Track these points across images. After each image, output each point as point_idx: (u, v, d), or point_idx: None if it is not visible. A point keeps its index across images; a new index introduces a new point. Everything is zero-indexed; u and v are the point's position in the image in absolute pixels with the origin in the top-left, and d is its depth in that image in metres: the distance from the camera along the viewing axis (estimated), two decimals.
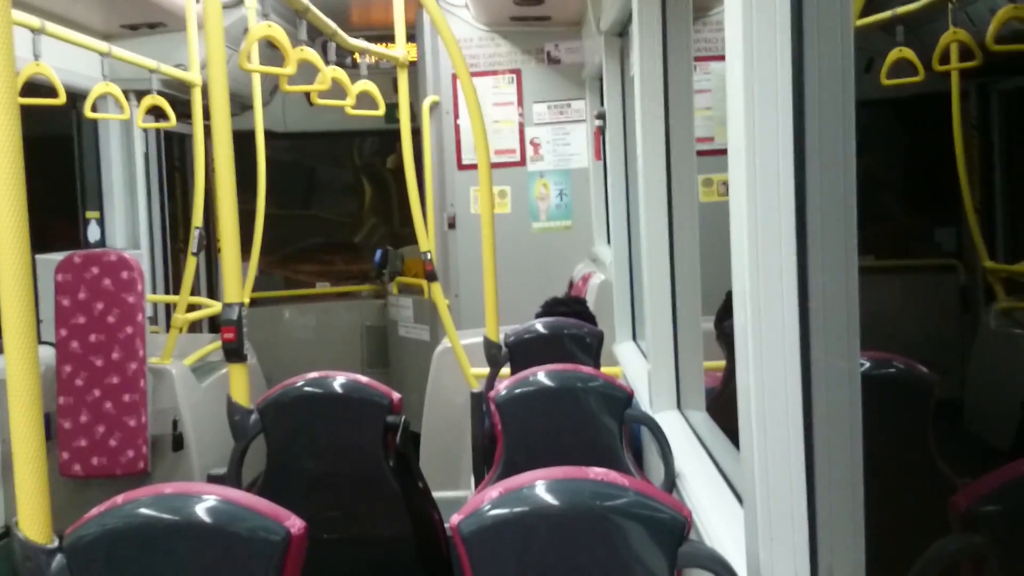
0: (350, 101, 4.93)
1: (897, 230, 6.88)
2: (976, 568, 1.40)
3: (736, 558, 1.68)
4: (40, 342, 4.71)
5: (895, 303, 6.06)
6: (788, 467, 1.48)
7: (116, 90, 4.83)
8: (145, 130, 6.02)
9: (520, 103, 6.56)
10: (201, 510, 1.71)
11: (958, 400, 5.23)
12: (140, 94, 5.25)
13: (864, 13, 4.76)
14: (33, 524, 1.78)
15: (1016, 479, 1.44)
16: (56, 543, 1.74)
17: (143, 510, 1.72)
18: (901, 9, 4.49)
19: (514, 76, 6.56)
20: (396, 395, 2.89)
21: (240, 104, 6.29)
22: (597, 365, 3.63)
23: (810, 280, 1.47)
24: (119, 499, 1.74)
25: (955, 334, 5.83)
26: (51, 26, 4.13)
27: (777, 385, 1.48)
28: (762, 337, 1.50)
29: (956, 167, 5.33)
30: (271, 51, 4.43)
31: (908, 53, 4.57)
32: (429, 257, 5.18)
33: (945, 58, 4.58)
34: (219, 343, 3.09)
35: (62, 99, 4.33)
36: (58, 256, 4.76)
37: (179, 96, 5.54)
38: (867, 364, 2.29)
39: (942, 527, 1.42)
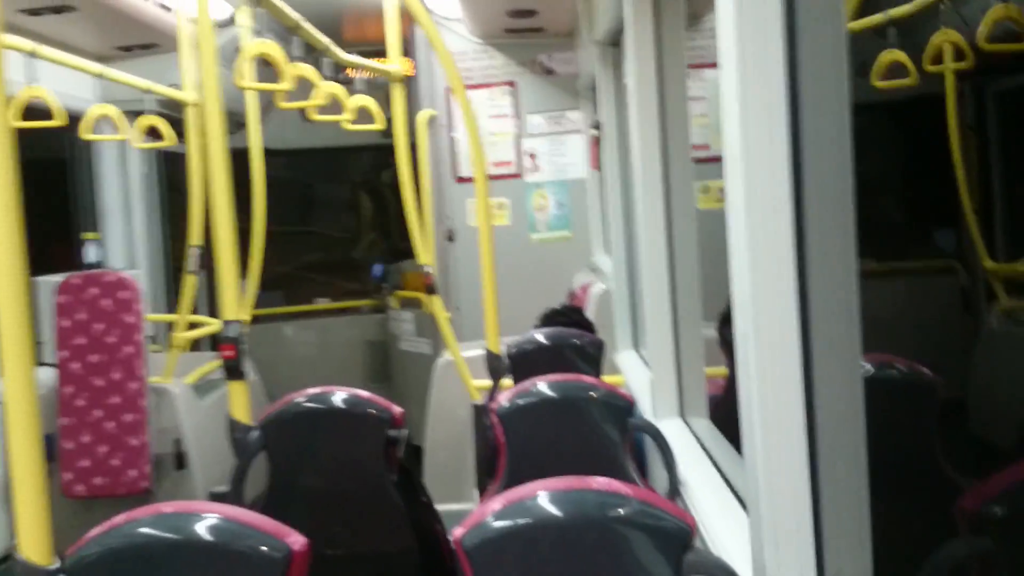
0: (348, 116, 4.93)
1: (896, 233, 6.87)
2: (984, 571, 1.39)
3: (742, 565, 1.67)
4: (42, 363, 4.75)
5: (896, 306, 6.05)
6: (792, 473, 1.47)
7: (112, 110, 4.84)
8: (141, 150, 6.02)
9: (516, 115, 6.57)
10: (202, 528, 1.70)
11: (962, 402, 5.22)
12: (135, 115, 5.26)
13: (856, 16, 4.77)
14: (33, 546, 1.77)
15: (1022, 480, 1.43)
16: (57, 564, 1.73)
17: (144, 529, 1.71)
18: (894, 12, 4.49)
19: (509, 88, 6.57)
20: (398, 409, 2.88)
21: (236, 122, 6.30)
22: (598, 374, 3.63)
23: (810, 284, 1.46)
24: (120, 519, 1.73)
25: (957, 336, 5.82)
26: (45, 49, 4.14)
27: (779, 390, 1.48)
28: (763, 342, 1.49)
29: (953, 169, 5.33)
30: (265, 69, 4.44)
31: (899, 55, 4.57)
32: (428, 271, 5.18)
33: (938, 59, 4.59)
34: (220, 361, 3.09)
35: (60, 121, 4.34)
36: (57, 278, 4.76)
37: (175, 115, 5.55)
38: (870, 367, 2.28)
39: (949, 530, 1.41)
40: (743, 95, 1.48)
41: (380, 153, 8.22)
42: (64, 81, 4.76)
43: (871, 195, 6.70)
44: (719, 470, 2.49)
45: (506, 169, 6.54)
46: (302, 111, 4.33)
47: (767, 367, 1.49)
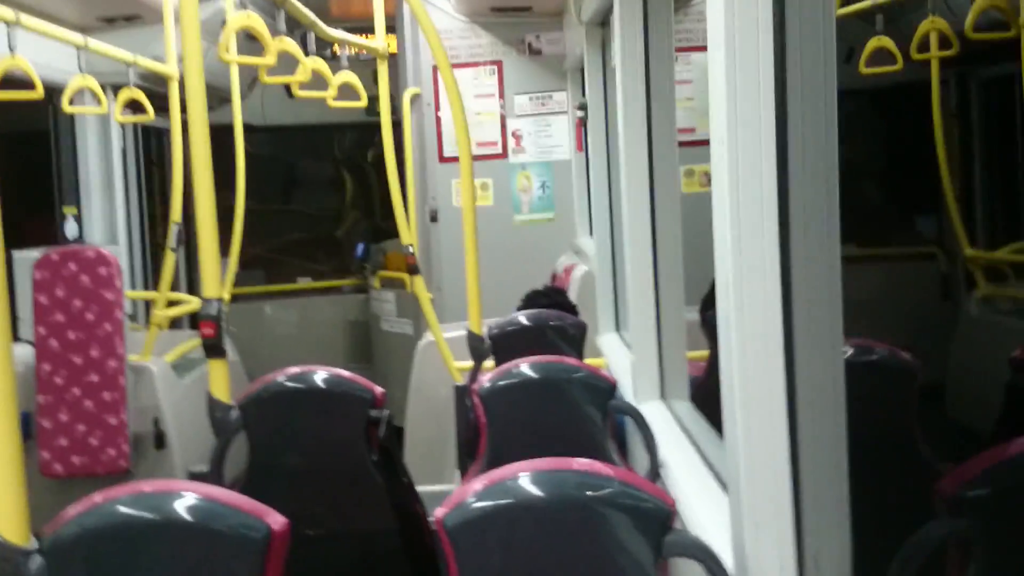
0: (331, 92, 4.90)
1: (879, 219, 6.91)
2: (961, 552, 1.41)
3: (721, 546, 1.68)
4: (18, 340, 4.70)
5: (877, 291, 6.09)
6: (772, 454, 1.48)
7: (94, 83, 4.77)
8: (123, 125, 5.96)
9: (501, 95, 6.54)
10: (181, 508, 1.69)
11: (940, 386, 5.26)
12: (117, 88, 5.20)
13: (844, 2, 4.77)
14: (9, 525, 1.76)
15: (999, 463, 1.45)
16: (34, 544, 1.72)
17: (122, 508, 1.70)
18: None
19: (495, 68, 6.54)
20: (379, 389, 2.87)
21: (218, 97, 6.24)
22: (580, 356, 3.63)
23: (793, 269, 1.47)
24: (97, 497, 1.71)
25: (937, 321, 5.87)
26: (26, 18, 4.08)
27: (761, 373, 1.48)
28: (745, 326, 1.50)
29: (936, 155, 5.35)
30: (250, 43, 4.39)
31: (886, 42, 4.58)
32: (411, 251, 5.16)
33: (925, 47, 4.60)
34: (199, 339, 3.06)
35: (39, 93, 4.28)
36: (35, 253, 4.71)
37: (157, 90, 5.49)
38: (850, 351, 2.29)
39: (927, 512, 1.42)
40: (730, 79, 1.47)
41: (364, 131, 8.19)
42: (45, 52, 4.69)
43: (855, 181, 6.73)
44: (700, 452, 2.50)
45: (491, 149, 6.51)
46: (286, 87, 4.29)
47: (749, 350, 1.49)
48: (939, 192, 5.58)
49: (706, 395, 2.78)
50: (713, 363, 3.12)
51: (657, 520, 1.63)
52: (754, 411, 1.49)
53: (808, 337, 1.46)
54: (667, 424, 2.84)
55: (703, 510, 2.06)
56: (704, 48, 1.59)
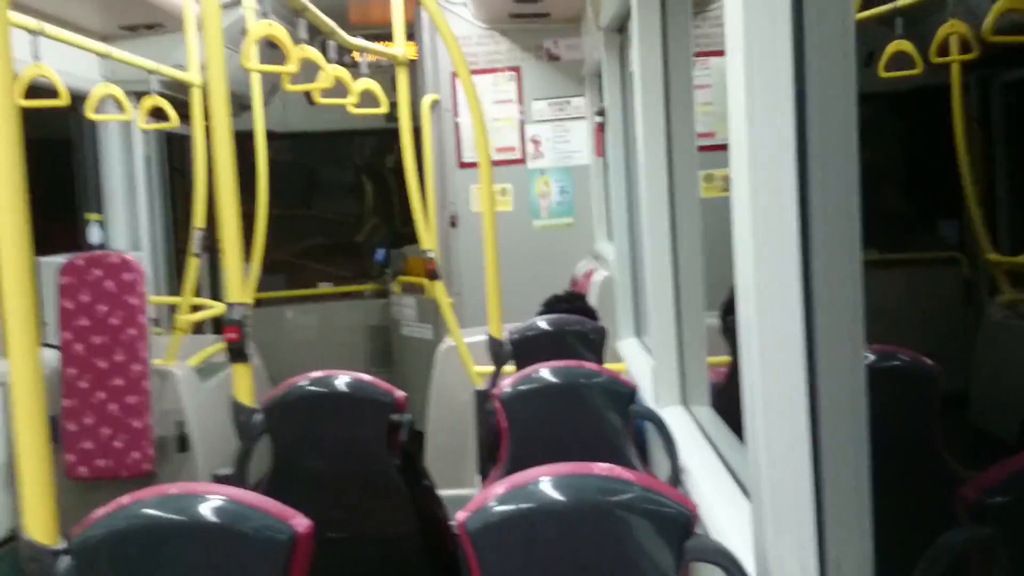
0: (352, 99, 4.93)
1: (900, 223, 6.87)
2: (983, 559, 1.40)
3: (743, 552, 1.68)
4: (44, 345, 4.75)
5: (899, 296, 6.06)
6: (794, 460, 1.47)
7: (118, 91, 4.83)
8: (146, 131, 6.02)
9: (520, 100, 6.55)
10: (206, 510, 1.71)
11: (963, 392, 5.22)
12: (140, 95, 5.25)
13: (864, 6, 4.75)
14: (39, 526, 1.79)
15: (1023, 470, 1.44)
16: (62, 545, 1.74)
17: (148, 510, 1.72)
18: (901, 1, 4.48)
19: (514, 73, 6.55)
20: (400, 393, 2.89)
21: (240, 104, 6.29)
22: (600, 361, 3.63)
23: (813, 274, 1.46)
24: (125, 500, 1.74)
25: (959, 327, 5.83)
26: (50, 28, 4.13)
27: (782, 379, 1.48)
28: (766, 331, 1.50)
29: (958, 160, 5.32)
30: (271, 51, 4.43)
31: (906, 46, 4.56)
32: (431, 256, 5.18)
33: (945, 51, 4.57)
34: (223, 344, 3.09)
35: (64, 100, 4.33)
36: (61, 259, 4.76)
37: (179, 97, 5.54)
38: (872, 357, 2.29)
39: (949, 519, 1.42)
40: (750, 84, 1.48)
41: (384, 137, 8.22)
42: (69, 60, 4.75)
43: (875, 185, 6.69)
44: (721, 457, 2.49)
45: (510, 155, 6.53)
46: (307, 94, 4.32)
47: (770, 356, 1.49)
48: (961, 196, 5.54)
49: (727, 400, 2.78)
50: (734, 368, 3.12)
51: (678, 525, 1.64)
52: (775, 417, 1.49)
53: (829, 342, 1.46)
54: (688, 429, 2.84)
55: (724, 515, 2.06)
56: (723, 53, 1.59)
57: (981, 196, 5.74)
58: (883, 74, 4.70)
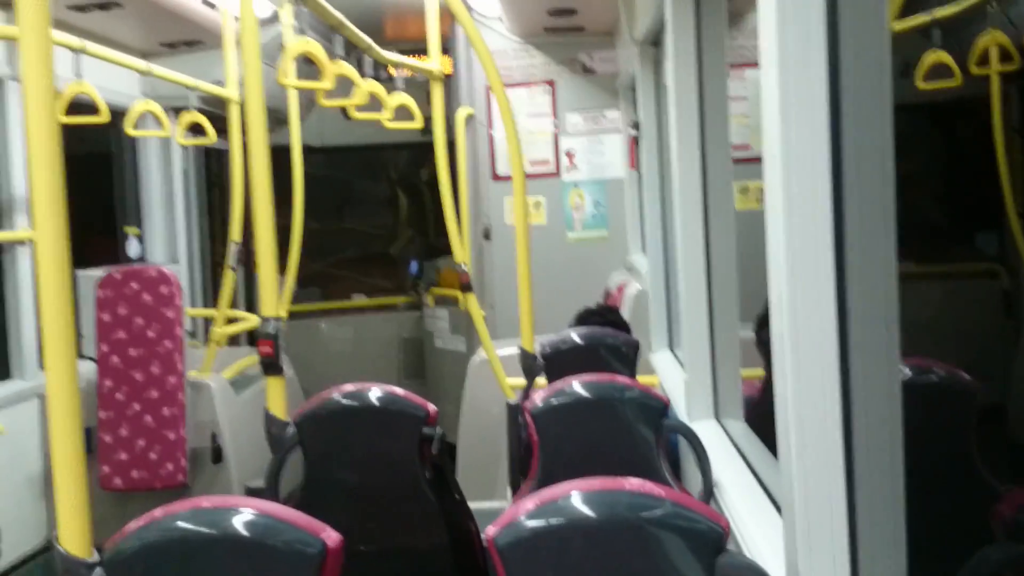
0: (387, 114, 4.96)
1: (937, 235, 6.78)
2: None
3: (775, 568, 1.66)
4: (82, 357, 4.82)
5: (936, 309, 5.97)
6: (828, 476, 1.45)
7: (157, 108, 4.90)
8: (184, 146, 6.10)
9: (554, 113, 6.56)
10: (238, 523, 1.72)
11: (1002, 407, 5.13)
12: (178, 110, 5.32)
13: (900, 16, 4.71)
14: (73, 538, 1.80)
15: None
16: (96, 557, 1.76)
17: (181, 523, 1.73)
18: (939, 12, 4.43)
19: (548, 87, 6.57)
20: (432, 407, 2.89)
21: (277, 119, 6.36)
22: (633, 375, 3.61)
23: (848, 287, 1.45)
24: (158, 512, 1.75)
25: (998, 340, 5.73)
26: (91, 46, 4.20)
27: (816, 393, 1.46)
28: (800, 345, 1.48)
29: (997, 171, 5.25)
30: (307, 66, 4.47)
31: (943, 56, 4.51)
32: (464, 268, 5.19)
33: (984, 61, 4.52)
34: (257, 356, 3.12)
35: (105, 117, 4.40)
36: (99, 272, 4.83)
37: (217, 112, 5.61)
38: (908, 371, 2.25)
39: (985, 536, 1.39)
40: (784, 95, 1.47)
41: (419, 151, 8.27)
42: (109, 77, 4.83)
43: (912, 197, 6.61)
44: (754, 472, 2.47)
45: (543, 168, 6.54)
46: (343, 109, 4.36)
47: (804, 369, 1.48)
48: (1000, 208, 5.46)
49: (762, 415, 2.75)
50: (768, 382, 3.09)
51: (710, 541, 1.62)
52: (809, 432, 1.47)
53: (864, 356, 1.44)
54: (721, 444, 2.81)
55: (757, 532, 2.04)
56: (758, 64, 1.58)
57: (1021, 207, 5.65)
58: (921, 85, 4.65)
